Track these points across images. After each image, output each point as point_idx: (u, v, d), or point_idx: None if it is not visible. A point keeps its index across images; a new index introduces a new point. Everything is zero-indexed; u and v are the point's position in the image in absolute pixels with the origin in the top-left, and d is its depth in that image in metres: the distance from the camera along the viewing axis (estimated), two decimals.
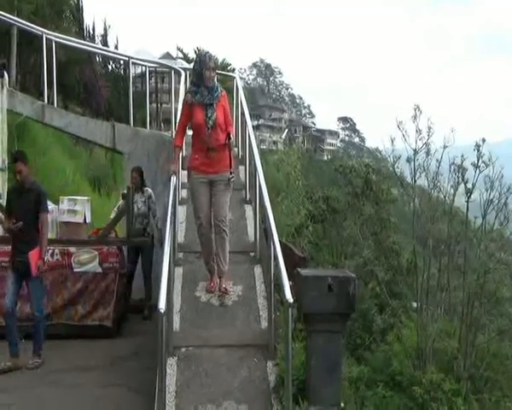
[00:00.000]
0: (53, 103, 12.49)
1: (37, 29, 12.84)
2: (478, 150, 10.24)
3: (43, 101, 12.15)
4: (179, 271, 7.05)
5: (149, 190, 9.73)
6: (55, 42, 12.69)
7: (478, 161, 10.15)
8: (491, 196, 10.10)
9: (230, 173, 6.62)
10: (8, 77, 11.76)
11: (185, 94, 6.86)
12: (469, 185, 10.26)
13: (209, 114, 6.46)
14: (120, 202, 9.87)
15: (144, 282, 9.49)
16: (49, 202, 8.76)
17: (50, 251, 8.23)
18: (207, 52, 6.64)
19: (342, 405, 5.18)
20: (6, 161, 11.20)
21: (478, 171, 10.25)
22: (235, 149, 7.37)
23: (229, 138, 6.53)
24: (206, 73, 6.42)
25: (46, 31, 12.82)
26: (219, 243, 6.64)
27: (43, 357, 7.19)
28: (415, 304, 10.36)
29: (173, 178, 6.71)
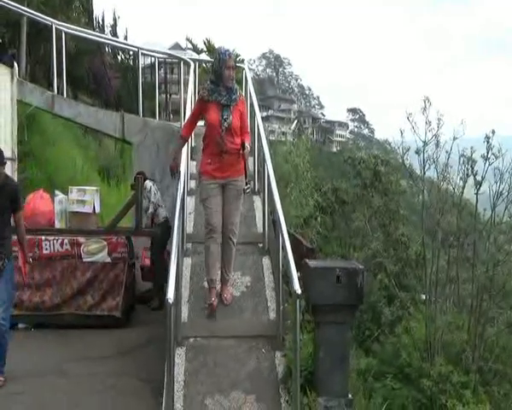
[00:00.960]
0: (62, 94, 12.51)
1: (46, 19, 12.84)
2: (488, 142, 10.21)
3: (53, 91, 12.17)
4: (188, 261, 7.06)
5: (148, 185, 9.46)
6: (65, 32, 12.69)
7: (487, 153, 10.12)
8: (501, 189, 10.08)
9: (246, 184, 6.40)
10: (18, 67, 11.79)
11: (202, 89, 6.49)
12: (479, 177, 10.23)
13: (225, 116, 6.17)
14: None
15: (155, 271, 9.45)
16: (58, 192, 8.84)
17: (60, 241, 8.27)
18: (227, 50, 6.28)
19: (350, 396, 5.18)
20: (16, 151, 11.25)
21: (487, 163, 10.22)
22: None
23: (244, 148, 6.23)
24: (225, 73, 6.13)
25: (56, 21, 12.82)
26: (226, 251, 6.41)
27: (5, 375, 6.36)
28: (423, 296, 10.36)
29: (181, 168, 6.61)
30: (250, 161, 8.69)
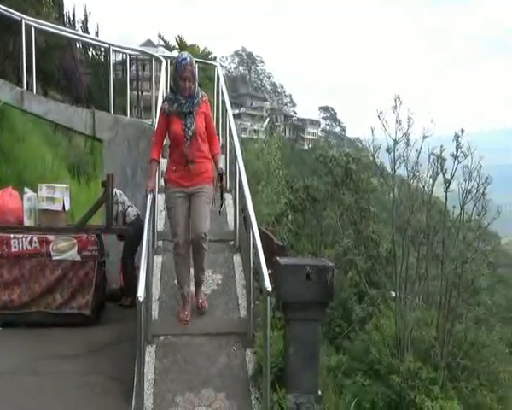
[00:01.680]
0: (32, 90, 12.34)
1: (16, 14, 12.65)
2: (457, 141, 10.35)
3: (22, 87, 12.01)
4: (158, 259, 7.05)
5: (116, 192, 9.14)
6: (35, 27, 12.53)
7: (457, 151, 10.25)
8: (470, 187, 10.22)
9: (221, 204, 6.30)
10: None
11: (162, 102, 6.27)
12: (448, 176, 10.36)
13: (188, 124, 5.95)
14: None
15: (125, 269, 9.40)
16: (27, 190, 8.73)
17: (29, 238, 8.18)
18: (184, 59, 5.94)
19: (320, 393, 5.22)
20: None
21: (457, 161, 10.35)
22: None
23: (222, 177, 6.16)
24: (181, 84, 5.91)
25: (25, 16, 12.64)
26: (198, 256, 6.13)
27: None
28: (393, 293, 10.47)
29: (150, 196, 6.09)
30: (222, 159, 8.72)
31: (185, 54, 6.07)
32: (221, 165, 6.22)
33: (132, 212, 9.36)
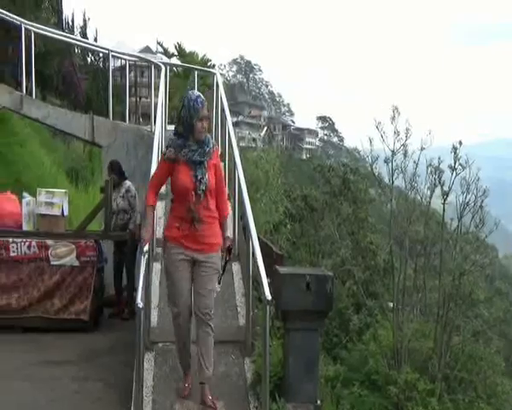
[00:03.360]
0: (31, 94, 12.36)
1: (15, 19, 12.68)
2: (455, 153, 10.36)
3: (22, 91, 12.02)
4: (157, 266, 7.03)
5: (127, 183, 9.22)
6: (34, 32, 12.55)
7: (455, 163, 10.26)
8: (468, 199, 10.23)
9: (225, 262, 5.33)
10: None
11: (166, 147, 5.26)
12: (446, 188, 10.37)
13: (199, 176, 5.02)
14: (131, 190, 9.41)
15: (127, 281, 9.23)
16: (26, 194, 8.72)
17: (27, 243, 8.16)
18: (199, 96, 5.14)
19: (319, 402, 5.21)
20: None
21: (455, 173, 10.36)
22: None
23: (230, 249, 5.36)
24: (197, 125, 5.03)
25: (25, 21, 12.66)
26: (202, 340, 5.12)
27: None
28: (391, 304, 10.45)
29: (146, 248, 5.33)
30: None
31: (197, 92, 5.36)
32: (229, 232, 5.45)
33: (138, 219, 9.15)
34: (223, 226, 5.28)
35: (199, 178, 5.02)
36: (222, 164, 5.55)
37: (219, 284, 5.28)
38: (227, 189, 5.62)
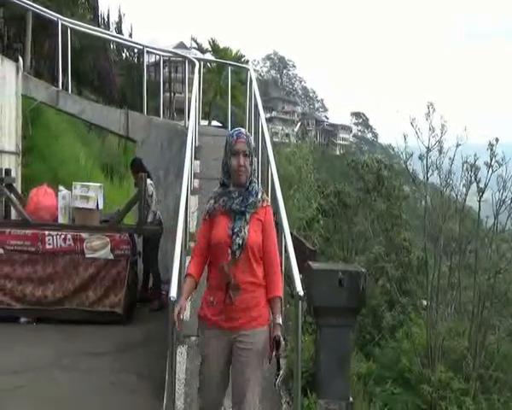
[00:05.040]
0: (67, 89, 12.51)
1: (52, 15, 12.84)
2: (491, 150, 10.22)
3: (58, 87, 12.17)
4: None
5: (148, 182, 9.00)
6: (71, 28, 12.69)
7: (491, 160, 10.13)
8: (504, 196, 10.09)
9: (276, 349, 3.87)
10: (23, 62, 11.79)
11: (207, 202, 4.15)
12: (482, 185, 10.24)
13: (236, 228, 3.93)
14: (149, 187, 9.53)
15: (152, 271, 9.42)
16: (62, 188, 8.84)
17: (63, 236, 8.27)
18: (236, 129, 4.15)
19: (351, 399, 5.18)
20: (20, 146, 11.27)
21: (491, 170, 10.23)
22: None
23: (279, 344, 3.86)
24: (232, 164, 3.97)
25: (61, 17, 12.81)
26: None
27: None
28: (424, 302, 10.37)
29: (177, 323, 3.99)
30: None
31: (240, 129, 4.22)
32: (279, 319, 3.93)
33: (159, 213, 9.37)
34: (272, 309, 3.97)
35: (235, 230, 3.92)
36: (273, 223, 4.16)
37: (277, 380, 4.02)
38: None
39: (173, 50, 20.14)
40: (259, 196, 4.04)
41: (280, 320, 3.91)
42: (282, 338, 3.85)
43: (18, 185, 10.32)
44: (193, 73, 11.52)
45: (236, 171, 3.97)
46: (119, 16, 30.45)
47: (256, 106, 9.35)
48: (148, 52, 14.02)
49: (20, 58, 11.70)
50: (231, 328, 3.91)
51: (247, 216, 3.96)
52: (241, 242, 3.89)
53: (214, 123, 28.38)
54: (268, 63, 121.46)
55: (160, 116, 13.12)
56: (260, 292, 3.96)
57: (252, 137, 4.14)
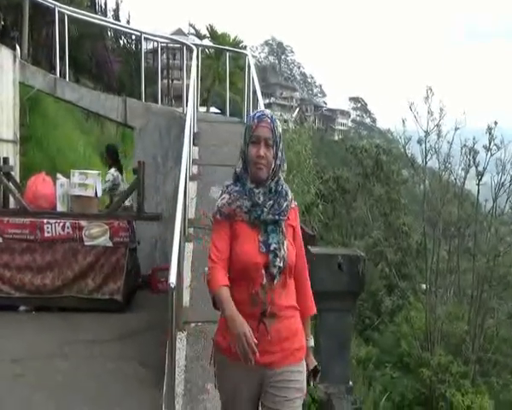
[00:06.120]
0: (65, 77, 12.46)
1: (49, 2, 12.77)
2: (490, 133, 10.21)
3: (55, 74, 12.11)
4: (189, 246, 7.05)
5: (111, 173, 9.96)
6: (68, 15, 12.62)
7: (489, 143, 10.13)
8: (503, 180, 10.10)
9: (314, 376, 3.25)
10: (20, 50, 11.73)
11: (220, 196, 3.18)
12: (480, 168, 10.24)
13: (272, 244, 3.02)
14: (108, 175, 9.94)
15: None
16: (60, 176, 8.82)
17: (61, 224, 8.26)
18: (258, 111, 3.28)
19: (350, 383, 5.20)
20: (18, 134, 11.23)
21: (489, 154, 10.23)
22: None
23: (317, 373, 3.27)
24: (250, 151, 3.08)
25: (59, 4, 12.74)
26: None
27: None
28: (423, 286, 10.39)
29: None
30: None
31: (264, 110, 3.38)
32: (312, 341, 3.33)
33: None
34: (305, 329, 3.21)
35: (272, 248, 3.02)
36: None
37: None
38: None
39: (171, 36, 20.07)
40: (290, 196, 3.18)
41: (312, 342, 3.30)
42: (319, 369, 3.26)
43: (16, 174, 10.31)
44: (191, 59, 11.47)
45: (254, 163, 3.06)
46: (117, 3, 30.23)
47: (255, 92, 9.31)
48: (145, 39, 13.95)
49: (18, 46, 11.65)
50: (266, 364, 2.99)
51: (282, 225, 3.08)
52: (282, 264, 3.01)
53: (213, 109, 28.32)
54: (266, 49, 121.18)
55: (158, 103, 13.08)
56: (297, 316, 3.14)
57: (278, 123, 3.21)
